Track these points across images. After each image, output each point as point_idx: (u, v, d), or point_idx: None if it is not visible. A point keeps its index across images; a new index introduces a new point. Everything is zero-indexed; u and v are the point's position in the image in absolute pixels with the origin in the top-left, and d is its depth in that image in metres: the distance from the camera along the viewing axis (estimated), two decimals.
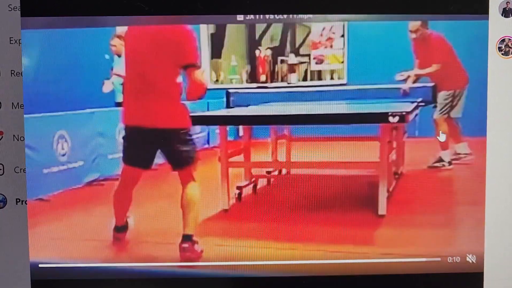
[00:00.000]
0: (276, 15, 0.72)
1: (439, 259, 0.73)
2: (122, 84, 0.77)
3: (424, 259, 0.73)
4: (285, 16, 0.72)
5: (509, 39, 0.70)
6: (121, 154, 0.77)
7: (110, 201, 0.78)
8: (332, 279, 0.74)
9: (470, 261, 0.73)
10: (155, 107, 0.77)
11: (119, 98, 0.78)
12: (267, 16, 0.73)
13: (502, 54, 0.71)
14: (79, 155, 0.80)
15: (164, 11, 0.71)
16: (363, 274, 0.74)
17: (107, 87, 0.77)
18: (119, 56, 0.77)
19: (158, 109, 0.77)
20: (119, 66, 0.77)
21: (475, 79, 0.72)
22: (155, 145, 0.78)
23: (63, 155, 0.80)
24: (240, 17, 0.73)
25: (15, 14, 0.70)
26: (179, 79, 0.77)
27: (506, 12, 0.70)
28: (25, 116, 0.73)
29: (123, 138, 0.77)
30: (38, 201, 0.78)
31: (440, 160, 0.76)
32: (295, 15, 0.72)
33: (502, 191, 0.72)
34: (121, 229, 0.78)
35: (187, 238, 0.76)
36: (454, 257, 0.73)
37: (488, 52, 0.71)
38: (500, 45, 0.70)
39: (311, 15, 0.72)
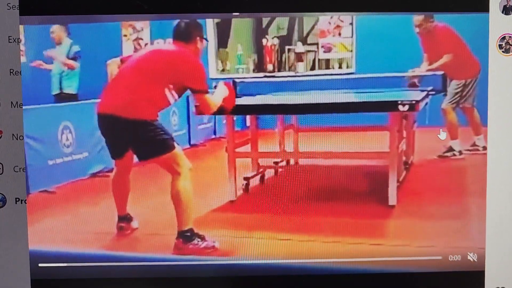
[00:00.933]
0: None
1: (440, 257, 0.73)
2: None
3: (425, 258, 0.73)
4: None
5: (510, 37, 0.69)
6: None
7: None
8: (332, 278, 0.73)
9: (471, 260, 0.72)
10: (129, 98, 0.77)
11: (56, 90, 0.79)
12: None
13: (502, 51, 0.69)
14: (84, 146, 0.79)
15: (163, 10, 0.71)
16: (363, 272, 0.73)
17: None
18: (59, 44, 0.76)
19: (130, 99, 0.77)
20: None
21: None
22: (125, 136, 0.78)
23: (68, 146, 0.80)
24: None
25: (13, 13, 0.69)
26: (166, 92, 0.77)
27: (506, 10, 0.69)
28: (29, 107, 0.72)
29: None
30: (43, 193, 0.78)
31: (451, 149, 0.75)
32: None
33: (503, 190, 0.71)
34: (124, 219, 0.77)
35: (182, 234, 0.76)
36: (455, 256, 0.73)
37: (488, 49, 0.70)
38: (501, 43, 0.69)
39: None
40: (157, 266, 0.74)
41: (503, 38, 0.69)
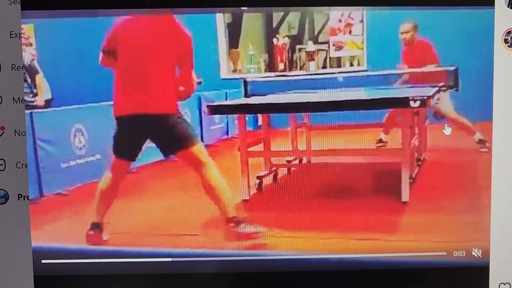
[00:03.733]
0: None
1: (444, 253, 0.73)
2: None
3: (429, 253, 0.73)
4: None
5: None
6: None
7: (128, 194, 0.77)
8: (336, 273, 0.73)
9: (476, 255, 0.73)
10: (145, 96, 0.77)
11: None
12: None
13: (508, 46, 0.69)
14: (96, 148, 0.80)
15: (165, 4, 0.71)
16: (369, 268, 0.73)
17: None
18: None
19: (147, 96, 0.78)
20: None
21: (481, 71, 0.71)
22: (144, 133, 0.78)
23: (81, 148, 0.80)
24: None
25: (15, 7, 0.69)
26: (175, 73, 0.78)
27: None
28: (42, 111, 0.73)
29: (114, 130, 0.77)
30: (56, 196, 0.78)
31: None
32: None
33: (508, 185, 0.71)
34: (96, 226, 0.76)
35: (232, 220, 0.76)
36: (460, 251, 0.73)
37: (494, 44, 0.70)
38: (506, 37, 0.69)
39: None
40: (159, 263, 0.74)
41: (509, 32, 0.69)
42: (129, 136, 0.78)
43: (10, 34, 0.69)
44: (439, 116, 0.78)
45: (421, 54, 0.75)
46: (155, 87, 0.77)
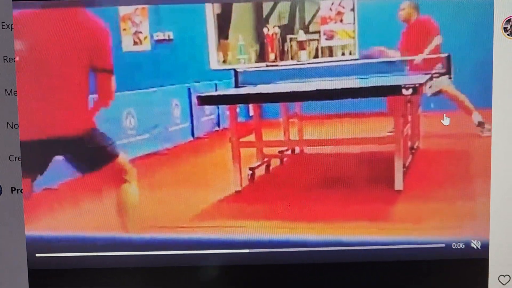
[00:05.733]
0: None
1: (443, 245, 0.73)
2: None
3: (428, 245, 0.73)
4: None
5: None
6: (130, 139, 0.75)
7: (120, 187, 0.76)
8: (335, 265, 0.74)
9: (475, 247, 0.73)
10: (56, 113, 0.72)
11: None
12: None
13: (507, 34, 0.69)
14: None
15: None
16: (366, 260, 0.73)
17: None
18: None
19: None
20: None
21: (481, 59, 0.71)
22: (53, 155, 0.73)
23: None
24: None
25: None
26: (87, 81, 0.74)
27: None
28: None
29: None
30: (46, 191, 0.77)
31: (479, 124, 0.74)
32: None
33: (507, 176, 0.71)
34: None
35: None
36: (459, 243, 0.73)
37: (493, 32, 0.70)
38: (506, 26, 0.69)
39: None
40: (158, 256, 0.74)
41: (508, 20, 0.69)
42: (35, 161, 0.73)
43: (2, 25, 0.68)
44: (438, 93, 0.77)
45: (422, 31, 0.74)
46: (65, 102, 0.72)
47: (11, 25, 0.68)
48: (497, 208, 0.71)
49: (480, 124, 0.73)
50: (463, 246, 0.73)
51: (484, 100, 0.71)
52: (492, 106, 0.70)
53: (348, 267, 0.74)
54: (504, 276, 0.72)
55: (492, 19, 0.69)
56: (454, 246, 0.73)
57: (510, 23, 0.69)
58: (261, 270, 0.74)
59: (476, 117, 0.73)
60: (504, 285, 0.72)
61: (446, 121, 0.74)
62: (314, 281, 0.74)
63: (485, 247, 0.72)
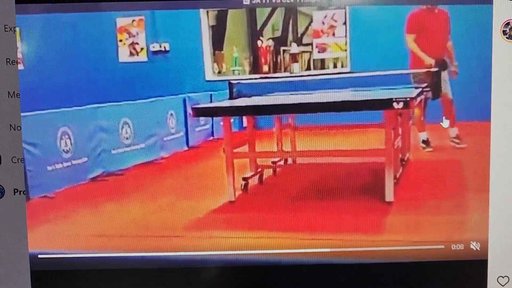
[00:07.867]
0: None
1: (443, 246, 0.73)
2: None
3: (427, 247, 0.73)
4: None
5: None
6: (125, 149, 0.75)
7: (115, 197, 0.77)
8: (337, 267, 0.74)
9: (474, 249, 0.73)
10: None
11: None
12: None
13: (506, 37, 0.69)
14: (83, 151, 0.80)
15: None
16: (367, 262, 0.73)
17: None
18: None
19: None
20: None
21: (479, 63, 0.72)
22: None
23: (67, 151, 0.80)
24: (246, 1, 0.72)
25: (9, 1, 0.69)
26: None
27: None
28: (28, 113, 0.72)
29: None
30: (43, 198, 0.78)
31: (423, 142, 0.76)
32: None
33: (506, 178, 0.71)
34: None
35: None
36: (458, 245, 0.73)
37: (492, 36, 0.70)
38: (505, 29, 0.69)
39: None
40: (161, 257, 0.74)
41: (507, 24, 0.69)
42: None
43: (5, 28, 0.69)
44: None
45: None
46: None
47: (14, 27, 0.69)
48: (496, 209, 0.72)
49: (457, 137, 0.74)
50: (462, 247, 0.73)
51: (484, 99, 0.71)
52: (492, 107, 0.71)
53: (348, 268, 0.74)
54: (503, 277, 0.73)
55: (491, 22, 0.70)
56: (453, 247, 0.73)
57: (509, 26, 0.69)
58: (249, 277, 0.75)
59: (453, 130, 0.75)
60: (503, 286, 0.73)
61: (445, 123, 0.75)
62: (314, 281, 0.75)
63: (484, 248, 0.72)
